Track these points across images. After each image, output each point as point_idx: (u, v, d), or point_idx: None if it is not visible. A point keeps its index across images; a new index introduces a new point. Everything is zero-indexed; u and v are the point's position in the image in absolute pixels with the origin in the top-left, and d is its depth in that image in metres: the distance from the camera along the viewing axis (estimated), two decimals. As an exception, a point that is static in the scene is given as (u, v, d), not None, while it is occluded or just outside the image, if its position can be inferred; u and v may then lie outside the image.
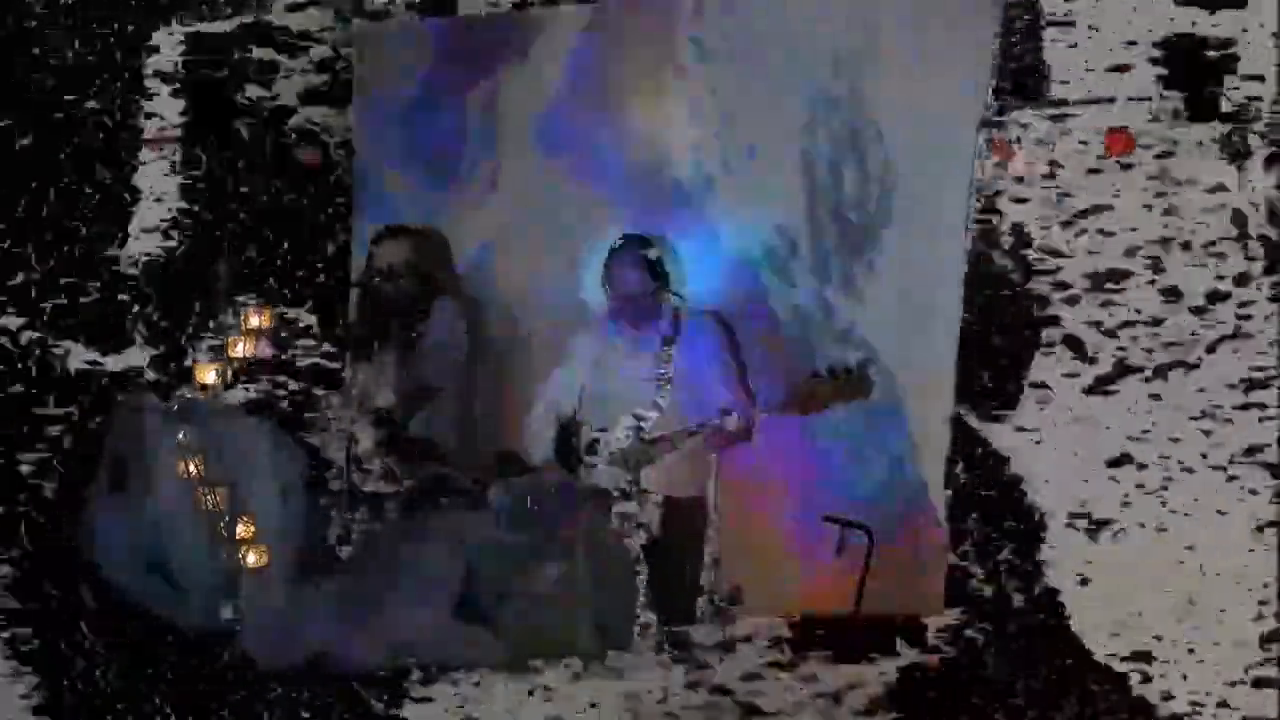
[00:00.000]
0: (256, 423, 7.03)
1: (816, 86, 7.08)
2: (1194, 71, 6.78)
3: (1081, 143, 6.85)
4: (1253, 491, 6.64)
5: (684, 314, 7.06)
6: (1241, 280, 6.72)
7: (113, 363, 7.45)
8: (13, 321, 7.46)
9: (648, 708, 6.93)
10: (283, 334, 7.30)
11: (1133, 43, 6.82)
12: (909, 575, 6.87)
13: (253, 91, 7.51)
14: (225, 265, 7.39)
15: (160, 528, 6.92)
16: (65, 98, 7.50)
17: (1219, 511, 6.66)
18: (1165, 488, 6.70)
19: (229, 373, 7.18)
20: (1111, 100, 6.80)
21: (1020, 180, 6.88)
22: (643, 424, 6.95)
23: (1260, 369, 6.68)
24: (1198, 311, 6.75)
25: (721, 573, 6.92)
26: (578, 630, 6.80)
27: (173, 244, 7.49)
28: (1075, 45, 6.85)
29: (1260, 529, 6.61)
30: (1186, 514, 6.68)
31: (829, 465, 7.02)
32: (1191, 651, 6.63)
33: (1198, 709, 6.57)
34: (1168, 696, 6.60)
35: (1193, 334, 6.73)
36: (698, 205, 7.20)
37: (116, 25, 7.52)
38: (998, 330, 6.85)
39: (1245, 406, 6.67)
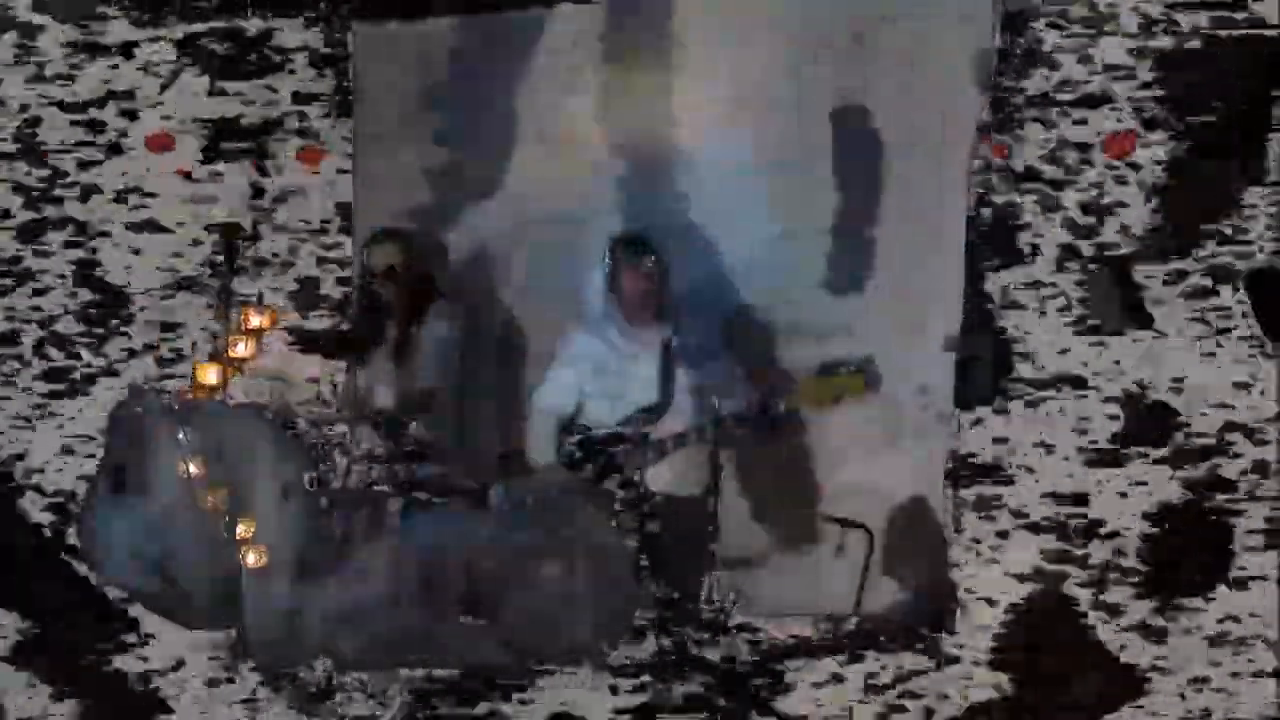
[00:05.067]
0: (256, 423, 7.01)
1: (816, 86, 7.11)
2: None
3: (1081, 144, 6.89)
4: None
5: (684, 314, 7.06)
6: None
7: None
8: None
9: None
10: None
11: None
12: (909, 575, 6.91)
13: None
14: (226, 267, 7.39)
15: (160, 528, 6.91)
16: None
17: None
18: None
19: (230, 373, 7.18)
20: (1112, 101, 6.83)
21: (1018, 179, 6.91)
22: (645, 424, 6.95)
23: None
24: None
25: (723, 572, 6.94)
26: (578, 630, 6.79)
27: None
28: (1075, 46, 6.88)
29: None
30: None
31: (829, 465, 7.05)
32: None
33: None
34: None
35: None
36: (698, 205, 7.22)
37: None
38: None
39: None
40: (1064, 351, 6.84)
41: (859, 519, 6.92)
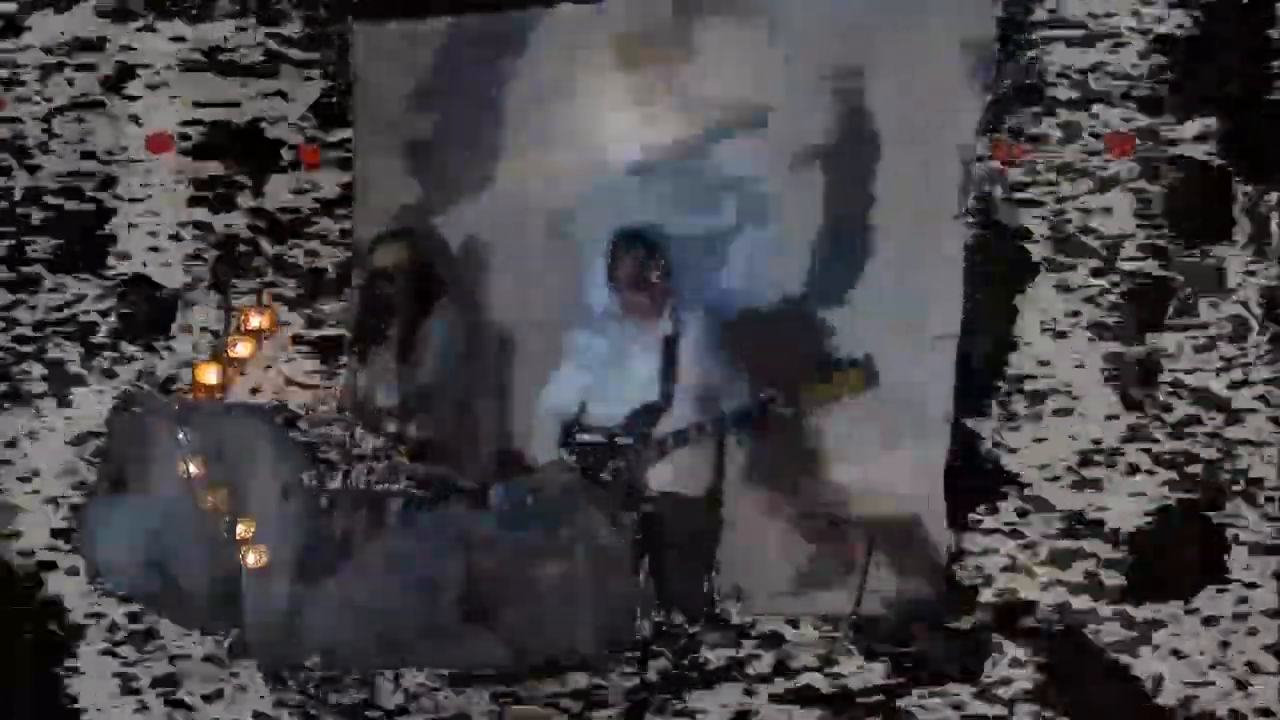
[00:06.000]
0: (256, 423, 7.03)
1: (814, 89, 7.11)
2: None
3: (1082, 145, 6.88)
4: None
5: (685, 313, 7.06)
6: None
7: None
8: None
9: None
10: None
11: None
12: (909, 575, 6.91)
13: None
14: (225, 266, 7.41)
15: (160, 528, 6.93)
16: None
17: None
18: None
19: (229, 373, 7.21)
20: (1112, 101, 6.82)
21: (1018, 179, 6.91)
22: (647, 423, 6.95)
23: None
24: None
25: (724, 572, 6.94)
26: (578, 630, 6.80)
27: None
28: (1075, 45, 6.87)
29: None
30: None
31: (829, 464, 7.04)
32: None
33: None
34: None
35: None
36: (698, 205, 7.22)
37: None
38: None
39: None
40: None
41: (858, 519, 6.91)
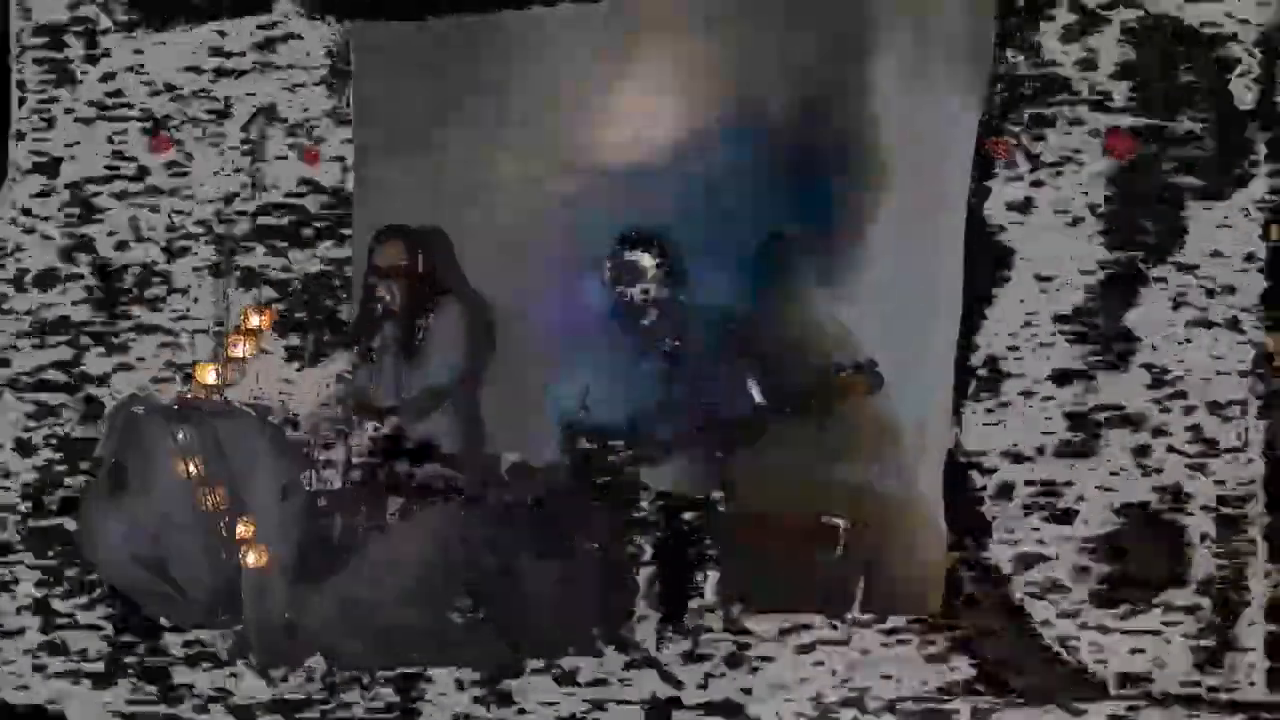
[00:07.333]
0: (256, 423, 7.04)
1: (815, 86, 7.11)
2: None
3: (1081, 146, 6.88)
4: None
5: (689, 314, 7.07)
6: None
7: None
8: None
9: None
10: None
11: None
12: (909, 575, 6.91)
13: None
14: (225, 265, 7.42)
15: (160, 528, 6.94)
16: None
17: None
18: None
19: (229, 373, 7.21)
20: (1113, 100, 6.82)
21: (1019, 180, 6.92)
22: (649, 425, 6.96)
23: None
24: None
25: (725, 572, 6.95)
26: (578, 630, 6.81)
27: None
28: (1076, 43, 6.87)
29: None
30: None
31: (829, 464, 7.04)
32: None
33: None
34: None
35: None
36: (699, 205, 7.22)
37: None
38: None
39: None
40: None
41: (858, 519, 6.92)
